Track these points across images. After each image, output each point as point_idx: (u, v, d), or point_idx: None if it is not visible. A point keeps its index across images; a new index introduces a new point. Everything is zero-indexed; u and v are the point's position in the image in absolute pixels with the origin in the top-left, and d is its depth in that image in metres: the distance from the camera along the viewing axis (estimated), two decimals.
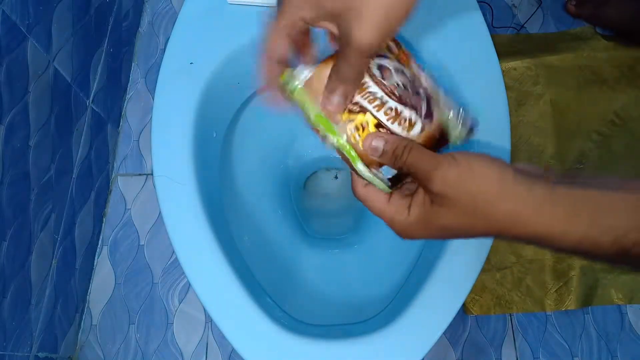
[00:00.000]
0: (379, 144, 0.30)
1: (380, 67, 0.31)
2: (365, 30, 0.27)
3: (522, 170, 0.28)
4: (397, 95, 0.31)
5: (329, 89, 0.31)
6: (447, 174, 0.27)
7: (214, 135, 0.55)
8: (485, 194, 0.27)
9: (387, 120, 0.30)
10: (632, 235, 0.24)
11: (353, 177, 0.32)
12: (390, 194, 0.32)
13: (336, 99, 0.30)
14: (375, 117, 0.30)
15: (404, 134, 0.31)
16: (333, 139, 0.31)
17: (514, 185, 0.26)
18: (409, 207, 0.30)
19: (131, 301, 0.90)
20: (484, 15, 0.60)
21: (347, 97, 0.31)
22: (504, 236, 0.28)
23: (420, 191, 0.30)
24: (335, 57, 0.31)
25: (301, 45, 0.34)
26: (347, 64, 0.29)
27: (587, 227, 0.25)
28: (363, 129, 0.31)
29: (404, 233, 0.31)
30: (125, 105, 1.04)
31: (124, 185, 0.98)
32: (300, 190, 0.78)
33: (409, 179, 0.33)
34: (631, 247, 0.24)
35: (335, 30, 0.30)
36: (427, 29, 0.54)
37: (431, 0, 0.55)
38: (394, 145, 0.29)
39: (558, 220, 0.26)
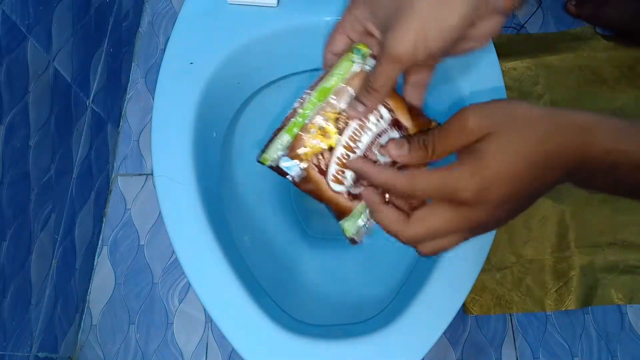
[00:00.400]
0: (402, 149, 0.31)
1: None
2: (400, 40, 0.28)
3: None
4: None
5: (357, 96, 0.32)
6: (485, 108, 0.27)
7: (214, 135, 0.55)
8: (532, 112, 0.26)
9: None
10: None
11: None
12: (407, 215, 0.30)
13: (360, 107, 0.32)
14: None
15: None
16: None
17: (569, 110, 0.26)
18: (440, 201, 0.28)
19: (131, 301, 0.90)
20: None
21: (370, 107, 0.32)
22: (567, 159, 0.25)
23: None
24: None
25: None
26: (377, 71, 0.30)
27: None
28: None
29: (473, 209, 0.27)
30: (125, 105, 1.04)
31: (124, 185, 0.98)
32: (300, 190, 0.78)
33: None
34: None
35: (378, 35, 0.32)
36: None
37: None
38: (414, 144, 0.30)
39: (621, 134, 0.25)
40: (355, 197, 0.33)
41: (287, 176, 0.33)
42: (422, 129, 0.33)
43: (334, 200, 0.33)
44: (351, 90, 0.32)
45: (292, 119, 0.32)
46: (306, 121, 0.32)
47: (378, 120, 0.32)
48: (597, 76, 0.92)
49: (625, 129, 0.25)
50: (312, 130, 0.32)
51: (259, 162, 0.33)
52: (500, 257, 0.88)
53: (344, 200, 0.33)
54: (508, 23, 1.11)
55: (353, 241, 0.34)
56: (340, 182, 0.32)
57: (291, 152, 0.32)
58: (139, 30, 1.10)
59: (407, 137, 0.31)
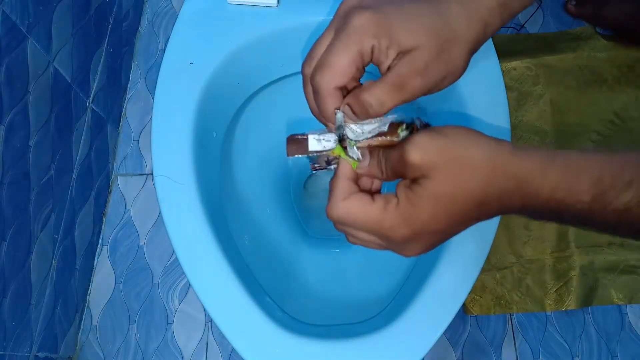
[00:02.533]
0: (364, 160, 0.30)
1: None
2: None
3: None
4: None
5: (362, 98, 0.29)
6: (428, 145, 0.26)
7: (214, 135, 0.55)
8: (474, 156, 0.26)
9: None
10: (604, 180, 0.25)
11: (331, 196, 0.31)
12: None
13: (356, 109, 0.30)
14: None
15: None
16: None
17: (512, 149, 0.26)
18: (392, 205, 0.28)
19: (131, 301, 0.90)
20: None
21: (363, 114, 0.29)
22: (504, 204, 0.27)
23: (399, 189, 0.29)
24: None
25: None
26: (383, 96, 0.29)
27: (564, 175, 0.26)
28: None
29: (398, 244, 0.29)
30: (125, 105, 1.04)
31: (124, 185, 0.98)
32: (300, 190, 0.78)
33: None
34: (605, 191, 0.25)
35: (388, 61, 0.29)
36: None
37: None
38: (374, 159, 0.30)
39: (560, 181, 0.25)
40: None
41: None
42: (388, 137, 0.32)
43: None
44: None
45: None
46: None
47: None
48: (597, 76, 0.92)
49: (565, 176, 0.25)
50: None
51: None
52: (500, 257, 0.88)
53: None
54: (508, 23, 1.11)
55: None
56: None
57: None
58: (139, 30, 1.10)
59: (371, 149, 0.30)
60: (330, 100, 0.29)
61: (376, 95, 0.28)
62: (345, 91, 0.30)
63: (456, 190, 0.26)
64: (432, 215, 0.27)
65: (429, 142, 0.26)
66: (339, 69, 0.28)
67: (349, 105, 0.29)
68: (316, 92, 0.30)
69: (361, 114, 0.29)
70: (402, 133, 0.30)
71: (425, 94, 0.30)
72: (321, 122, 0.32)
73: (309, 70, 0.30)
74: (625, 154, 0.26)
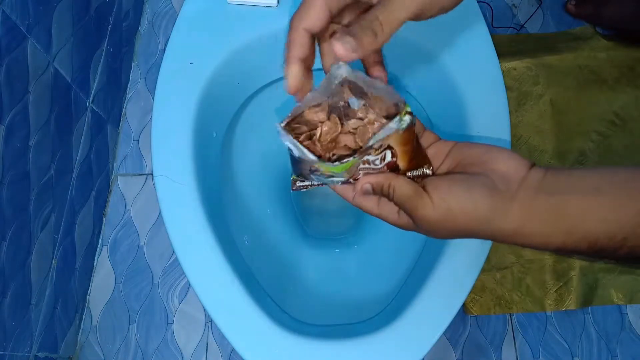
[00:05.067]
0: (367, 186, 0.32)
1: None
2: None
3: (504, 180, 0.29)
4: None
5: (347, 31, 0.28)
6: (429, 217, 0.29)
7: (214, 135, 0.55)
8: (465, 229, 0.30)
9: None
10: (601, 242, 0.27)
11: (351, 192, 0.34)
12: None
13: (349, 41, 0.28)
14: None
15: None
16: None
17: (491, 215, 0.28)
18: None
19: (131, 301, 0.90)
20: (484, 15, 0.60)
21: (360, 50, 0.28)
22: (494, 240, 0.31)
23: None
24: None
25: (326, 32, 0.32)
26: (380, 15, 0.28)
27: (564, 237, 0.28)
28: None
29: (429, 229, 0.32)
30: (125, 105, 1.04)
31: (124, 185, 0.98)
32: (300, 191, 0.78)
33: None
34: (602, 249, 0.27)
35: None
36: (426, 30, 0.54)
37: None
38: (379, 186, 0.31)
39: (536, 235, 0.28)
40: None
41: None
42: (415, 169, 0.32)
43: (304, 171, 0.34)
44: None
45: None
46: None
47: (381, 161, 0.31)
48: (597, 76, 0.92)
49: (564, 238, 0.28)
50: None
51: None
52: (500, 257, 0.88)
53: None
54: (508, 23, 1.11)
55: (293, 185, 0.34)
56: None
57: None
58: (139, 30, 1.10)
59: (371, 179, 0.32)
60: (298, 39, 0.30)
61: (374, 14, 0.28)
62: (319, 38, 0.32)
63: (447, 232, 0.31)
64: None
65: (430, 216, 0.30)
66: (311, 12, 0.29)
67: (348, 34, 0.28)
68: (289, 36, 0.30)
69: (365, 40, 0.28)
70: (403, 120, 0.29)
71: (417, 15, 0.29)
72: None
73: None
74: (622, 203, 0.27)
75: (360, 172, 0.32)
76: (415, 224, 0.31)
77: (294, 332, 0.43)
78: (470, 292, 0.71)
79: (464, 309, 0.87)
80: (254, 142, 0.68)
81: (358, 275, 0.65)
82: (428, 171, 0.32)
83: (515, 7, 1.13)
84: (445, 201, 0.29)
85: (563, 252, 0.28)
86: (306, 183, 0.34)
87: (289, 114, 0.31)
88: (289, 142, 0.30)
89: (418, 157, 0.32)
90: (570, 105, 0.91)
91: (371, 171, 0.32)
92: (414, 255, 0.54)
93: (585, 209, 0.27)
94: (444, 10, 0.30)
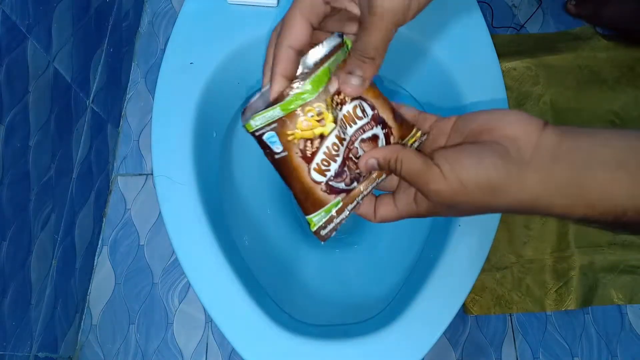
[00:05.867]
0: (373, 161, 0.30)
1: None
2: None
3: (515, 145, 0.27)
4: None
5: (348, 69, 0.29)
6: (443, 191, 0.28)
7: (214, 135, 0.55)
8: (482, 202, 0.28)
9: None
10: (629, 213, 0.25)
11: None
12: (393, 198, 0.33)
13: (355, 80, 0.29)
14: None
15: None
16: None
17: (507, 185, 0.27)
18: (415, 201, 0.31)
19: (131, 301, 0.90)
20: (484, 15, 0.60)
21: (367, 79, 0.29)
22: (509, 211, 0.29)
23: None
24: (357, 36, 0.29)
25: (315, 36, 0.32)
26: (368, 37, 0.28)
27: (586, 210, 0.26)
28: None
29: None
30: (125, 105, 1.04)
31: (124, 185, 0.98)
32: None
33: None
34: (630, 222, 0.25)
35: (354, 8, 0.29)
36: (426, 30, 0.54)
37: None
38: (386, 159, 0.30)
39: (557, 206, 0.26)
40: (332, 190, 0.31)
41: (268, 150, 0.31)
42: (406, 134, 0.32)
43: (311, 190, 0.31)
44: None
45: (291, 94, 0.29)
46: (306, 101, 0.29)
47: (363, 113, 0.31)
48: (597, 76, 0.92)
49: (583, 206, 0.26)
50: (309, 113, 0.29)
51: (243, 126, 0.31)
52: (500, 257, 0.88)
53: (320, 192, 0.31)
54: (508, 23, 1.11)
55: (320, 237, 0.32)
56: (322, 173, 0.31)
57: (280, 128, 0.30)
58: (139, 30, 1.10)
59: (376, 152, 0.31)
60: (283, 56, 0.30)
61: (363, 41, 0.28)
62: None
63: (458, 208, 0.29)
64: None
65: (441, 188, 0.28)
66: (293, 29, 0.29)
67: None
68: (275, 53, 0.30)
69: (367, 70, 0.29)
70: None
71: (404, 16, 0.28)
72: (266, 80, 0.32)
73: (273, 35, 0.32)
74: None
75: (357, 144, 0.31)
76: (431, 202, 0.29)
77: (294, 332, 0.43)
78: (470, 292, 0.71)
79: (464, 309, 0.87)
80: (254, 142, 0.68)
81: (358, 275, 0.65)
82: (423, 138, 0.32)
83: (515, 7, 1.13)
84: (456, 172, 0.27)
85: (586, 222, 0.26)
86: (332, 226, 0.32)
87: (247, 107, 0.32)
88: (260, 124, 0.30)
89: (400, 122, 0.32)
90: (570, 105, 0.91)
91: (364, 135, 0.31)
92: (413, 255, 0.54)
93: (611, 183, 0.25)
94: None
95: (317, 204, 0.31)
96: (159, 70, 0.52)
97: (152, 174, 0.98)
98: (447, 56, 0.53)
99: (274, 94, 0.30)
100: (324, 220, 0.32)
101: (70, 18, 0.79)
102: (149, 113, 1.03)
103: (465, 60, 0.53)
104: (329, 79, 0.30)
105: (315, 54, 0.30)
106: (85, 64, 0.86)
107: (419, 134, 0.32)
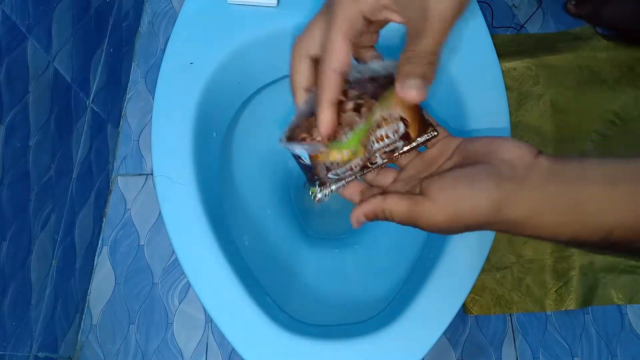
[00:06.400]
0: (361, 219, 0.32)
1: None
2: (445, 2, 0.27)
3: (511, 166, 0.28)
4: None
5: (404, 73, 0.28)
6: (437, 222, 0.29)
7: (214, 135, 0.55)
8: (476, 224, 0.28)
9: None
10: (617, 232, 0.25)
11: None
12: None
13: (418, 83, 0.28)
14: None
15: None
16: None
17: (500, 204, 0.27)
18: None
19: (131, 301, 0.90)
20: (484, 15, 0.60)
21: (429, 83, 0.28)
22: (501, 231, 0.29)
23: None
24: (405, 52, 0.29)
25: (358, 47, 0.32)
26: (426, 42, 0.27)
27: (577, 227, 0.26)
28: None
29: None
30: (125, 105, 1.04)
31: (124, 185, 0.98)
32: (300, 190, 0.78)
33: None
34: (617, 241, 0.26)
35: (399, 18, 0.29)
36: None
37: None
38: (374, 213, 0.31)
39: (548, 224, 0.27)
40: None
41: (294, 155, 0.33)
42: (422, 134, 0.33)
43: (321, 177, 0.33)
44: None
45: (335, 142, 0.31)
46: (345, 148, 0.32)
47: (394, 134, 0.32)
48: (597, 76, 0.92)
49: (573, 228, 0.27)
50: (344, 151, 0.32)
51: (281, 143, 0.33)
52: (500, 257, 0.88)
53: (328, 178, 0.34)
54: (508, 23, 1.11)
55: (318, 200, 0.34)
56: (337, 175, 0.33)
57: (315, 153, 0.32)
58: (139, 30, 1.10)
59: (361, 209, 0.32)
60: (329, 81, 0.30)
61: (423, 44, 0.28)
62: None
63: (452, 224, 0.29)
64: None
65: (431, 215, 0.29)
66: (335, 53, 0.29)
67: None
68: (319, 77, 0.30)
69: (428, 73, 0.29)
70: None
71: (459, 11, 0.29)
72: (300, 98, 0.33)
73: (298, 49, 0.32)
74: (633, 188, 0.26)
75: (377, 154, 0.32)
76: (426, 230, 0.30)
77: (294, 332, 0.43)
78: (470, 292, 0.71)
79: (464, 309, 0.87)
80: (254, 142, 0.68)
81: (358, 275, 0.65)
82: (434, 133, 0.33)
83: (515, 7, 1.13)
84: (452, 203, 0.28)
85: (573, 244, 0.27)
86: (326, 191, 0.34)
87: (287, 128, 0.32)
88: (296, 148, 0.31)
89: (423, 121, 0.33)
90: (570, 105, 0.91)
91: (387, 149, 0.32)
92: (413, 255, 0.54)
93: (602, 198, 0.25)
94: None
95: (322, 183, 0.34)
96: (159, 70, 0.52)
97: (152, 174, 0.98)
98: (447, 56, 0.53)
99: (323, 128, 0.30)
100: (320, 187, 0.34)
101: (70, 18, 0.79)
102: (149, 113, 1.03)
103: (465, 60, 0.53)
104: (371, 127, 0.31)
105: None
106: (85, 64, 0.86)
107: (430, 129, 0.33)
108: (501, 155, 0.28)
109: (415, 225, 0.30)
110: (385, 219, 0.31)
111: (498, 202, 0.27)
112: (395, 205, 0.30)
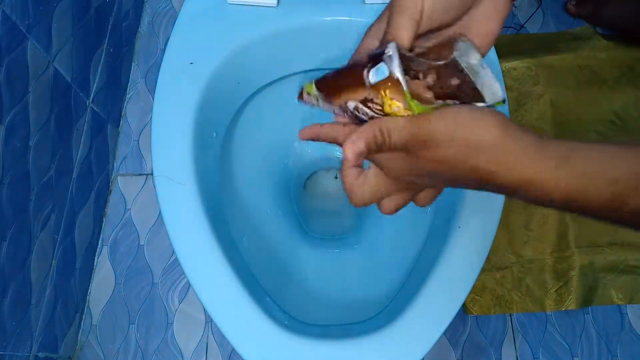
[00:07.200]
0: (360, 146, 0.27)
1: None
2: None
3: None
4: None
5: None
6: (443, 154, 0.26)
7: (214, 135, 0.55)
8: (485, 167, 0.25)
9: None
10: (621, 187, 0.23)
11: (344, 172, 0.30)
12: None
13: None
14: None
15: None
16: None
17: (529, 144, 0.25)
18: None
19: (131, 301, 0.90)
20: None
21: None
22: (487, 183, 0.26)
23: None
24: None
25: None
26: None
27: (579, 178, 0.24)
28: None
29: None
30: (125, 105, 1.04)
31: (124, 185, 0.98)
32: (300, 190, 0.78)
33: None
34: (628, 204, 0.24)
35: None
36: None
37: None
38: (371, 140, 0.26)
39: (548, 168, 0.24)
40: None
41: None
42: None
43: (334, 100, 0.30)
44: None
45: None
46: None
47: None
48: (597, 76, 0.92)
49: (580, 181, 0.24)
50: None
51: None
52: (500, 257, 0.88)
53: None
54: (508, 23, 1.11)
55: (302, 93, 0.31)
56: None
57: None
58: (139, 30, 1.10)
59: (357, 137, 0.27)
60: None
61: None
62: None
63: (460, 164, 0.26)
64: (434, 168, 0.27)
65: (437, 125, 0.25)
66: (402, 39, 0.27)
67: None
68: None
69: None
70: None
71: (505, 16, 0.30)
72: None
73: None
74: None
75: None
76: (428, 173, 0.27)
77: (294, 332, 0.43)
78: (470, 292, 0.71)
79: (464, 309, 0.87)
80: (254, 142, 0.68)
81: (358, 275, 0.65)
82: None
83: (515, 7, 1.13)
84: (457, 130, 0.25)
85: (587, 211, 0.25)
86: (312, 102, 0.30)
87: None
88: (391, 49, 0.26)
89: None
90: (570, 105, 0.91)
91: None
92: (414, 255, 0.54)
93: (603, 156, 0.24)
94: None
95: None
96: (159, 70, 0.52)
97: (152, 174, 0.98)
98: None
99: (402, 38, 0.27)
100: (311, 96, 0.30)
101: (70, 18, 0.79)
102: (149, 113, 1.03)
103: None
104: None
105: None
106: (85, 64, 0.86)
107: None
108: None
109: (417, 154, 0.26)
110: (383, 144, 0.26)
111: (509, 144, 0.25)
112: (394, 122, 0.26)
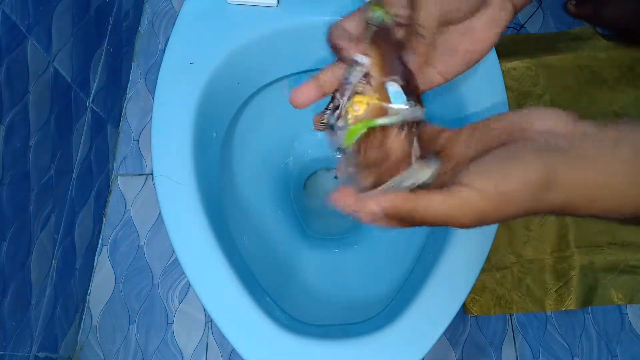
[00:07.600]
0: (376, 208, 0.26)
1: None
2: None
3: (554, 136, 0.24)
4: None
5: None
6: (480, 209, 0.24)
7: (214, 135, 0.55)
8: (527, 208, 0.24)
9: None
10: None
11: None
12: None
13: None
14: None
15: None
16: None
17: (552, 178, 0.23)
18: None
19: (131, 301, 0.90)
20: None
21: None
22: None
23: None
24: None
25: None
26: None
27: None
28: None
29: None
30: (125, 105, 1.04)
31: (124, 185, 0.98)
32: (300, 190, 0.78)
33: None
34: None
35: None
36: None
37: None
38: (400, 210, 0.25)
39: (604, 202, 0.23)
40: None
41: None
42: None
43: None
44: None
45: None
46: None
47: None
48: (597, 76, 0.92)
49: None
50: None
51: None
52: (500, 257, 0.88)
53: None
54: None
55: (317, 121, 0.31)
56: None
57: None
58: (139, 30, 1.10)
59: (380, 199, 0.26)
60: None
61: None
62: None
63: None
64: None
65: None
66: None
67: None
68: None
69: None
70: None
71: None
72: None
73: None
74: None
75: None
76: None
77: (294, 332, 0.43)
78: (470, 292, 0.71)
79: (464, 309, 0.87)
80: (254, 142, 0.68)
81: (358, 275, 0.65)
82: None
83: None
84: (496, 186, 0.23)
85: (635, 220, 0.23)
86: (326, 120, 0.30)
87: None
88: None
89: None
90: (570, 105, 0.91)
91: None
92: (413, 255, 0.54)
93: None
94: None
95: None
96: (159, 70, 0.52)
97: (152, 174, 0.98)
98: None
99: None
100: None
101: (70, 18, 0.79)
102: (149, 113, 1.03)
103: None
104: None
105: None
106: (85, 64, 0.86)
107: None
108: (538, 127, 0.24)
109: (454, 223, 0.24)
110: (412, 220, 0.25)
111: (546, 178, 0.23)
112: (429, 199, 0.24)
